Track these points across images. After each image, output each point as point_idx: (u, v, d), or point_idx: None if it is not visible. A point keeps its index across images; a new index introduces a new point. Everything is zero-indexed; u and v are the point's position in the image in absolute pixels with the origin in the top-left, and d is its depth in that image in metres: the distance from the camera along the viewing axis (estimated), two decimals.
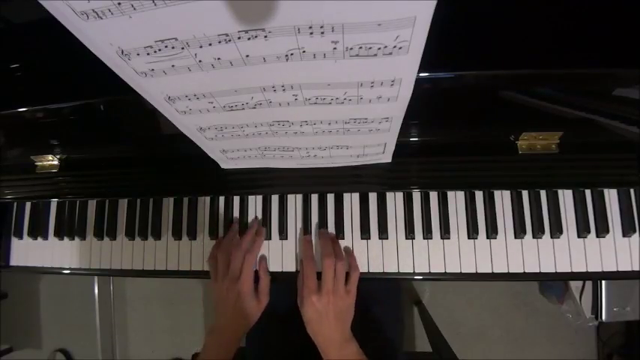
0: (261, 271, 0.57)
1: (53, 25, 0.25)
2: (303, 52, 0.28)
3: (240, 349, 0.72)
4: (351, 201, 0.58)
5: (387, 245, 0.56)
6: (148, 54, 0.28)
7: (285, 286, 0.63)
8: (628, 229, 0.52)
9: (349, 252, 0.56)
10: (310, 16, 0.25)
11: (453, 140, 0.52)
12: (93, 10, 0.24)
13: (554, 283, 1.17)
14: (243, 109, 0.37)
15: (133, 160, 0.60)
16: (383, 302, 0.69)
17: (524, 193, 0.55)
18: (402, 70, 0.30)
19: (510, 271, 0.53)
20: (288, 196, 0.59)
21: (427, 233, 0.55)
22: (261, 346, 0.70)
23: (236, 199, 0.61)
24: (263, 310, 0.56)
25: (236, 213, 0.60)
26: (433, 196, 0.56)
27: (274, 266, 0.58)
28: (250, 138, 0.43)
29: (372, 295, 0.68)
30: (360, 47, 0.27)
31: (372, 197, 0.57)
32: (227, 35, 0.26)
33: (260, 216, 0.60)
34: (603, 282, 0.98)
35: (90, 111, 0.48)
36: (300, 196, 0.59)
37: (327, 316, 0.50)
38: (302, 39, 0.27)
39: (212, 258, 0.57)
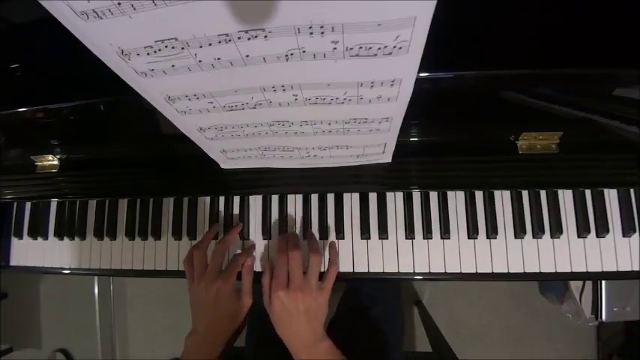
0: (245, 271, 0.54)
1: (53, 25, 0.25)
2: (303, 52, 0.28)
3: (238, 349, 0.72)
4: (351, 201, 0.58)
5: (387, 245, 0.56)
6: (148, 54, 0.28)
7: None
8: (628, 229, 0.52)
9: (332, 246, 0.55)
10: (310, 16, 0.25)
11: (453, 140, 0.52)
12: (93, 10, 0.24)
13: (554, 283, 1.17)
14: (243, 109, 0.37)
15: (133, 160, 0.60)
16: (383, 302, 0.68)
17: (524, 193, 0.55)
18: (402, 70, 0.30)
19: (510, 271, 0.53)
20: (288, 196, 0.59)
21: (427, 233, 0.55)
22: (259, 346, 0.70)
23: (236, 199, 0.61)
24: (247, 309, 0.53)
25: (236, 213, 0.60)
26: (433, 196, 0.56)
27: None
28: (250, 138, 0.43)
29: (372, 295, 0.68)
30: (360, 47, 0.27)
31: (372, 197, 0.57)
32: (227, 35, 0.26)
33: (260, 216, 0.60)
34: (603, 282, 0.98)
35: (90, 111, 0.48)
36: (300, 196, 0.59)
37: (297, 314, 0.47)
38: (302, 39, 0.27)
39: (188, 259, 0.54)
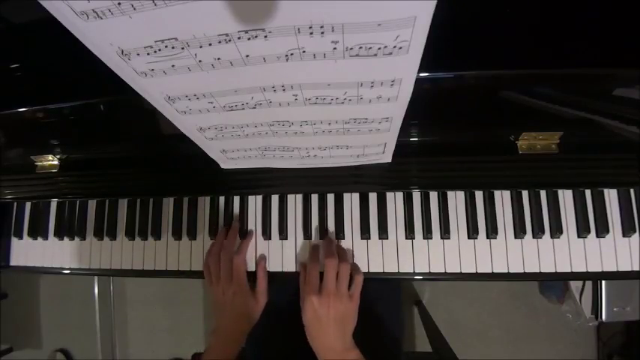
0: (259, 271, 0.57)
1: (53, 25, 0.25)
2: (303, 52, 0.28)
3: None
4: (351, 201, 0.57)
5: (387, 245, 0.56)
6: (148, 54, 0.28)
7: (285, 286, 0.63)
8: (628, 229, 0.52)
9: (350, 256, 0.56)
10: (310, 16, 0.25)
11: (453, 140, 0.52)
12: (93, 10, 0.24)
13: (554, 283, 1.17)
14: (243, 109, 0.37)
15: (133, 160, 0.60)
16: (383, 302, 0.68)
17: (524, 193, 0.55)
18: (402, 70, 0.30)
19: (510, 271, 0.53)
20: (288, 196, 0.59)
21: (427, 233, 0.55)
22: (260, 346, 0.70)
23: (236, 199, 0.61)
24: (262, 308, 0.56)
25: (236, 213, 0.60)
26: (433, 196, 0.56)
27: (274, 266, 0.58)
28: (250, 138, 0.43)
29: (372, 295, 0.68)
30: (360, 47, 0.27)
31: (372, 197, 0.57)
32: (227, 35, 0.26)
33: (260, 216, 0.60)
34: (603, 282, 0.98)
35: (90, 111, 0.48)
36: (300, 196, 0.59)
37: (327, 320, 0.48)
38: (302, 39, 0.27)
39: (205, 265, 0.57)
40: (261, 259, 0.58)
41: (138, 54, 0.28)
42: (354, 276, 0.52)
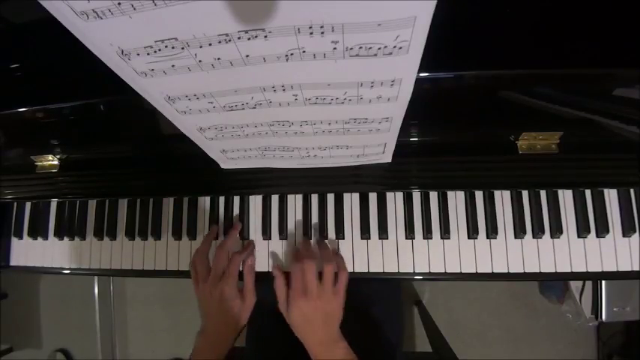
0: (246, 270, 0.56)
1: (53, 25, 0.25)
2: (303, 52, 0.28)
3: (239, 348, 0.72)
4: (351, 201, 0.58)
5: (387, 245, 0.56)
6: (148, 54, 0.28)
7: None
8: (628, 229, 0.52)
9: (336, 253, 0.56)
10: (310, 16, 0.25)
11: (453, 140, 0.52)
12: (93, 10, 0.24)
13: (554, 283, 1.17)
14: (243, 109, 0.37)
15: (133, 160, 0.60)
16: (383, 302, 0.68)
17: (524, 193, 0.55)
18: (402, 70, 0.30)
19: (510, 271, 0.53)
20: (288, 196, 0.59)
21: (427, 233, 0.55)
22: (260, 345, 0.70)
23: (236, 199, 0.61)
24: (251, 308, 0.55)
25: (236, 213, 0.60)
26: (433, 196, 0.56)
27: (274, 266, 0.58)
28: (250, 138, 0.43)
29: (372, 295, 0.68)
30: (360, 47, 0.27)
31: (372, 197, 0.57)
32: (227, 35, 0.26)
33: (260, 216, 0.60)
34: (603, 282, 0.98)
35: (90, 111, 0.48)
36: (300, 196, 0.59)
37: (315, 319, 0.49)
38: (302, 39, 0.27)
39: (192, 264, 0.56)
40: (247, 259, 0.57)
41: (138, 54, 0.28)
42: (339, 273, 0.52)
